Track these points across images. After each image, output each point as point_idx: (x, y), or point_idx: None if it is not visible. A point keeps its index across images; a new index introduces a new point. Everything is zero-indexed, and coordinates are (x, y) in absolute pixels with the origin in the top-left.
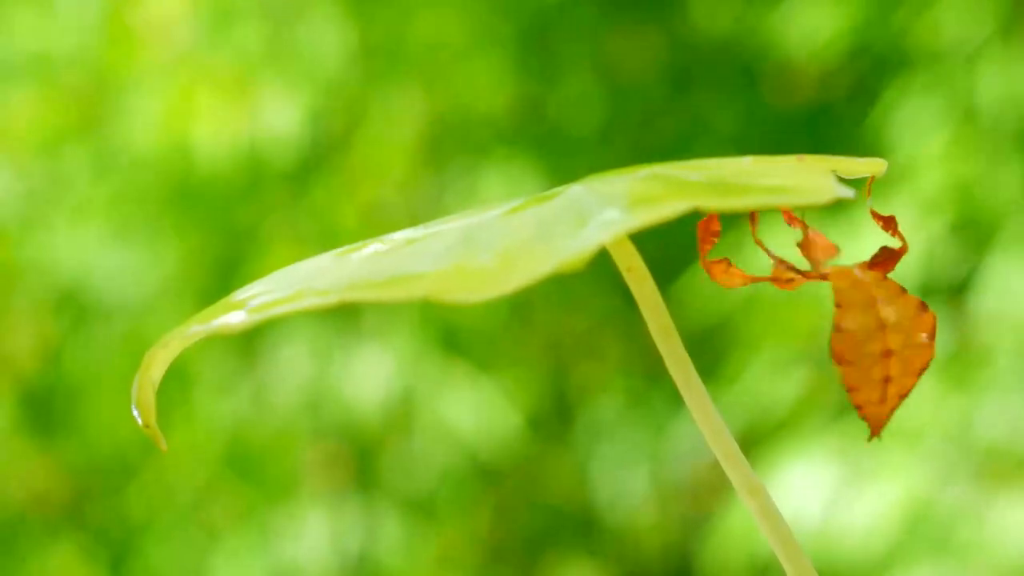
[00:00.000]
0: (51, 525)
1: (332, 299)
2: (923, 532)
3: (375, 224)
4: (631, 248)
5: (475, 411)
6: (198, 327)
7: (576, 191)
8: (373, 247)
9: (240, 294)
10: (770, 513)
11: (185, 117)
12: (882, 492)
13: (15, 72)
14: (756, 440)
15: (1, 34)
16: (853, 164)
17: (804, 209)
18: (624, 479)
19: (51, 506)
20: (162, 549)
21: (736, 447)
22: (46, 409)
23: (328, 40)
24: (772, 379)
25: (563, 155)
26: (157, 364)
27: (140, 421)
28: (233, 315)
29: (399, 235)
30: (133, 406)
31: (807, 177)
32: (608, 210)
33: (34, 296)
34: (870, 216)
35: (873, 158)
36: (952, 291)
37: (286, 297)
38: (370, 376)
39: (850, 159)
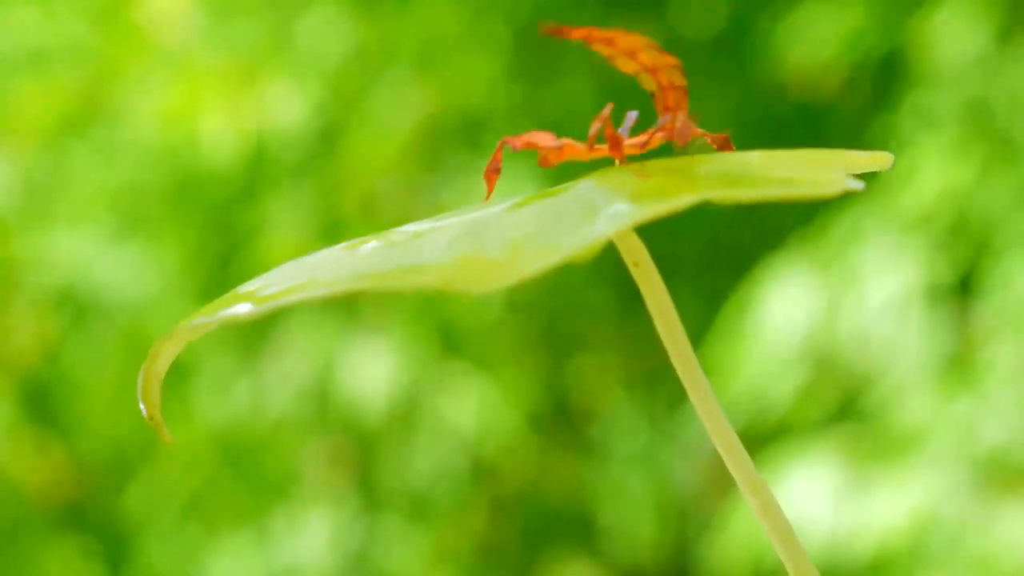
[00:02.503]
0: (51, 523)
1: (340, 288)
2: (928, 540)
3: (374, 220)
4: (639, 243)
5: (474, 409)
6: (205, 319)
7: (584, 185)
8: (380, 240)
9: (246, 287)
10: (772, 510)
11: (186, 111)
12: (885, 499)
13: (16, 66)
14: (756, 448)
15: (2, 28)
16: (858, 158)
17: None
18: (623, 479)
19: (50, 504)
20: (162, 548)
21: (739, 443)
22: (46, 406)
23: (329, 35)
24: (773, 381)
25: None
26: (163, 356)
27: (145, 413)
28: (240, 306)
29: (406, 228)
30: (139, 399)
31: (816, 169)
32: (617, 203)
33: (34, 293)
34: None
35: (878, 152)
36: (955, 294)
37: (294, 287)
38: (370, 375)
39: (855, 153)
